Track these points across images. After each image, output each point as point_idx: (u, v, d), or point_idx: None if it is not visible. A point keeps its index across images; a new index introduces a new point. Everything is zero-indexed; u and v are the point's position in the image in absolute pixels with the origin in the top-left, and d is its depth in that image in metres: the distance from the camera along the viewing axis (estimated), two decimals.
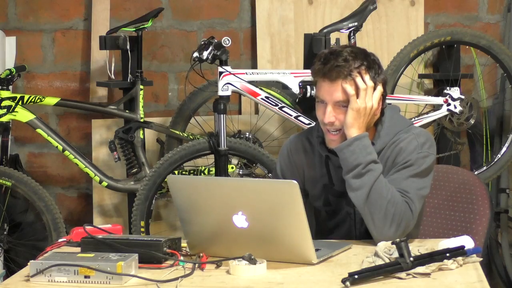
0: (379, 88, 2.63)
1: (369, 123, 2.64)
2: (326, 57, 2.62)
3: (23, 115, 3.99)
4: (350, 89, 2.58)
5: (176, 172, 3.86)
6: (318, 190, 2.80)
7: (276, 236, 2.30)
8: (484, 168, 4.18)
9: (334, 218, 2.81)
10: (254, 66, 4.53)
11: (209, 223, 2.37)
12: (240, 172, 4.10)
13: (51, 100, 4.03)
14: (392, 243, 2.25)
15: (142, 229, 3.83)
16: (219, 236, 2.37)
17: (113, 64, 4.30)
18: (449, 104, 4.02)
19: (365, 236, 2.68)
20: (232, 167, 4.00)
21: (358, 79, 2.59)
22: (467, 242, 2.33)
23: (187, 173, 4.05)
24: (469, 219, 2.87)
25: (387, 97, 2.76)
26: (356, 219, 2.75)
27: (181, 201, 2.40)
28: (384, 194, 2.54)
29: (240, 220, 2.31)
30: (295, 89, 3.79)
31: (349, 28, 3.88)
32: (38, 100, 4.00)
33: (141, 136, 4.12)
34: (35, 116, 4.01)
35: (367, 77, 2.60)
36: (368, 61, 2.63)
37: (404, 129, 2.69)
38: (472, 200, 2.89)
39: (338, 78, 2.59)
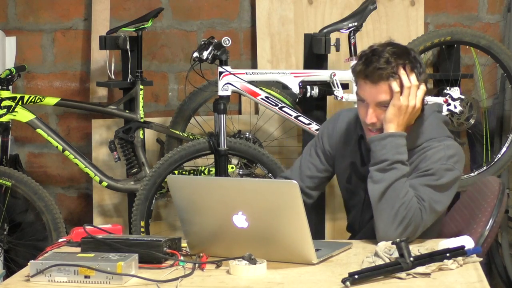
0: (423, 87, 2.64)
1: (409, 121, 2.64)
2: (367, 57, 2.63)
3: (23, 115, 3.99)
4: (396, 86, 2.58)
5: (176, 172, 3.86)
6: (345, 165, 2.83)
7: (276, 236, 2.30)
8: (484, 168, 4.18)
9: (351, 199, 2.86)
10: (254, 66, 4.53)
11: (209, 223, 2.38)
12: (240, 172, 4.10)
13: (51, 100, 4.03)
14: (392, 243, 2.25)
15: (142, 229, 3.83)
16: (219, 236, 2.37)
17: (113, 64, 4.30)
18: (449, 104, 4.01)
19: (367, 227, 2.72)
20: (232, 167, 4.00)
21: (404, 77, 2.59)
22: (467, 242, 2.33)
23: (187, 173, 4.05)
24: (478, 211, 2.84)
25: None
26: (363, 206, 2.77)
27: (181, 201, 2.41)
28: (401, 195, 2.54)
29: (240, 220, 2.31)
30: (295, 89, 3.79)
31: (349, 28, 3.88)
32: (38, 100, 4.00)
33: (141, 136, 4.12)
34: (35, 116, 4.01)
35: (413, 76, 2.60)
36: (411, 60, 2.63)
37: (438, 138, 2.67)
38: (481, 201, 2.86)
39: (380, 80, 2.60)
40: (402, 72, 2.60)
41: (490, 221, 2.67)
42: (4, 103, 3.96)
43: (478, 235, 2.63)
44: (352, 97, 3.71)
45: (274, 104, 3.82)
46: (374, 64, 2.60)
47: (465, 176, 4.16)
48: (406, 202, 2.53)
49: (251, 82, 3.76)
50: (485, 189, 2.82)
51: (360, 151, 2.79)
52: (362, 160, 2.79)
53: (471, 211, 2.80)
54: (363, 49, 2.71)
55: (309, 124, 3.81)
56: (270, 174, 3.78)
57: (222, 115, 3.70)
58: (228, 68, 3.70)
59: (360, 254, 2.43)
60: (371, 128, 2.66)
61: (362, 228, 2.80)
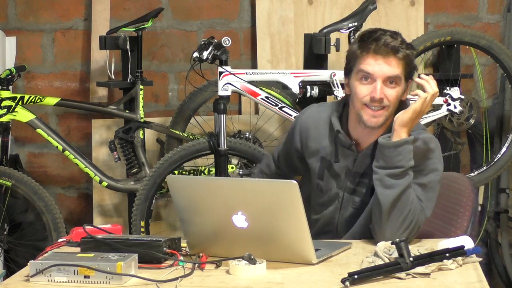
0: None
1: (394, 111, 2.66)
2: (371, 36, 2.64)
3: (23, 115, 3.99)
4: (422, 93, 2.58)
5: (176, 172, 3.86)
6: (316, 161, 2.80)
7: (276, 236, 2.30)
8: (484, 168, 4.18)
9: (322, 196, 2.81)
10: (254, 66, 4.53)
11: (208, 223, 2.37)
12: (240, 172, 4.10)
13: (51, 100, 4.03)
14: (392, 243, 2.25)
15: (142, 229, 3.83)
16: (218, 236, 2.37)
17: (113, 64, 4.30)
18: (449, 104, 4.01)
19: (346, 224, 2.73)
20: (232, 167, 4.00)
21: (426, 84, 2.60)
22: (466, 242, 2.33)
23: (187, 173, 4.05)
24: (454, 212, 2.84)
25: None
26: (342, 204, 2.76)
27: (180, 201, 2.40)
28: (410, 201, 2.54)
29: (239, 220, 2.31)
30: (295, 89, 3.79)
31: (349, 28, 3.88)
32: (38, 100, 4.00)
33: (141, 136, 4.12)
34: (35, 116, 4.01)
35: (434, 82, 2.61)
36: (404, 40, 2.66)
37: (415, 132, 2.66)
38: (457, 195, 2.86)
39: (390, 54, 2.61)
40: (422, 80, 2.61)
41: (470, 223, 2.69)
42: (4, 103, 3.96)
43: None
44: None
45: (274, 104, 3.82)
46: (383, 39, 2.61)
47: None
48: (413, 208, 2.54)
49: (251, 82, 3.76)
50: (456, 190, 2.83)
51: (336, 147, 2.77)
52: (336, 155, 2.76)
53: (445, 211, 2.81)
54: (360, 32, 2.72)
55: None
56: None
57: (222, 115, 3.70)
58: (228, 68, 3.70)
59: (359, 254, 2.43)
60: (375, 106, 2.64)
61: (340, 227, 2.79)
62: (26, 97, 3.99)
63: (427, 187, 2.60)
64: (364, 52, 2.64)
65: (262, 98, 3.80)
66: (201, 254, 2.36)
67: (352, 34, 3.88)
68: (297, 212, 2.25)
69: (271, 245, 2.31)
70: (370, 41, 2.63)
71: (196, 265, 2.29)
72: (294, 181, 2.25)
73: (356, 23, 3.87)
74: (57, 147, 4.02)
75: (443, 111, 4.02)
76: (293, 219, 2.26)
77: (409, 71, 2.67)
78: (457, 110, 4.02)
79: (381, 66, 2.62)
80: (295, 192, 2.24)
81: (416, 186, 2.59)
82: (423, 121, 3.99)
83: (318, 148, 2.80)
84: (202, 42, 3.68)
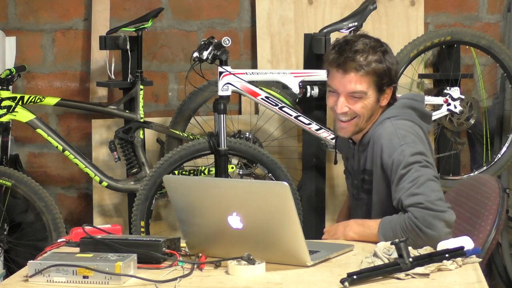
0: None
1: (371, 116, 2.68)
2: (341, 47, 2.64)
3: (23, 115, 3.99)
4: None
5: (176, 172, 3.86)
6: (345, 158, 2.92)
7: (271, 237, 2.28)
8: (484, 168, 4.17)
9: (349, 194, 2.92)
10: (254, 66, 4.53)
11: (205, 223, 2.37)
12: (240, 172, 4.10)
13: (51, 100, 4.03)
14: (391, 244, 2.25)
15: (142, 229, 3.83)
16: (216, 236, 2.36)
17: (113, 64, 4.30)
18: (449, 104, 4.01)
19: None
20: (232, 167, 3.99)
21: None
22: (466, 242, 2.33)
23: (187, 173, 4.05)
24: (479, 215, 2.82)
25: None
26: (356, 202, 2.82)
27: (177, 202, 2.40)
28: (393, 228, 2.52)
29: (235, 221, 2.30)
30: (295, 89, 3.79)
31: (349, 28, 3.88)
32: (38, 100, 4.00)
33: (141, 136, 4.12)
34: (35, 116, 4.01)
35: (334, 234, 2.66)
36: (382, 52, 2.65)
37: (380, 122, 2.68)
38: (484, 198, 2.83)
39: (352, 71, 2.61)
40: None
41: (494, 227, 2.67)
42: (4, 103, 3.96)
43: (482, 241, 2.63)
44: None
45: (274, 104, 3.82)
46: (347, 54, 2.60)
47: (465, 176, 4.16)
48: (399, 230, 2.50)
49: (251, 82, 3.76)
50: (484, 193, 2.81)
51: (348, 145, 2.83)
52: (348, 153, 2.85)
53: (471, 213, 2.80)
54: (336, 38, 2.73)
55: (309, 124, 3.81)
56: (270, 174, 3.77)
57: (222, 115, 3.70)
58: (228, 68, 3.70)
59: (359, 255, 2.43)
60: (344, 118, 2.67)
61: None
62: (26, 97, 3.99)
63: (406, 174, 2.54)
64: (329, 64, 2.66)
65: (262, 98, 3.80)
66: (200, 255, 2.36)
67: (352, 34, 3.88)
68: (290, 214, 2.23)
69: (267, 246, 2.29)
70: (336, 53, 2.64)
71: (195, 265, 2.29)
72: (285, 183, 2.23)
73: (356, 23, 3.87)
74: (57, 147, 4.02)
75: (443, 111, 4.02)
76: (286, 221, 2.25)
77: (382, 82, 2.66)
78: (457, 110, 4.02)
79: (343, 82, 2.63)
80: (286, 194, 2.21)
81: (407, 184, 2.53)
82: None
83: (345, 148, 2.89)
84: (202, 42, 3.68)
